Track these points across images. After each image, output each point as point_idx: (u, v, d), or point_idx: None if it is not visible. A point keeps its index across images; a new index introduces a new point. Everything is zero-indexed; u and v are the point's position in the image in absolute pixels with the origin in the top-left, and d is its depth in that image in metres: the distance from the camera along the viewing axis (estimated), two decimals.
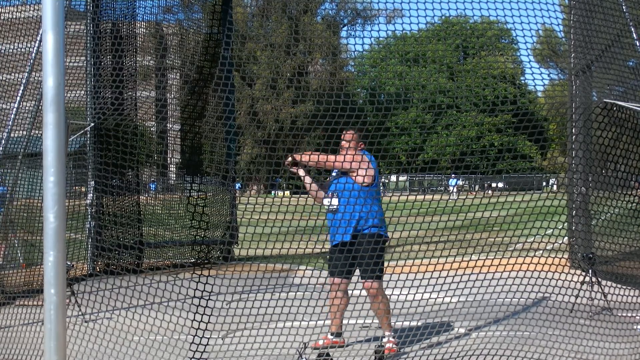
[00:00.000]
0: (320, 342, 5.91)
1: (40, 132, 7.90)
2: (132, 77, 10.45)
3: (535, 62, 51.36)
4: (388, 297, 5.91)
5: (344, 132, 5.95)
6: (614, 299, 6.32)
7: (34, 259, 8.63)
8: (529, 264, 5.55)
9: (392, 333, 5.89)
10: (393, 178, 52.89)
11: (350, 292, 6.08)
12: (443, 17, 49.63)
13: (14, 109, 7.92)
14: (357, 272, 5.91)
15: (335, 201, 5.79)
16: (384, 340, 5.82)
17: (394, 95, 48.24)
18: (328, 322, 6.03)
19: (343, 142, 5.90)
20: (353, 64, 51.51)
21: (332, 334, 6.00)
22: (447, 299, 6.16)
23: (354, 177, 5.74)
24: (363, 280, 5.78)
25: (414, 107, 50.57)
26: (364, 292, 6.12)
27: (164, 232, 11.49)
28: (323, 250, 6.95)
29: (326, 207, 5.86)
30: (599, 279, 7.07)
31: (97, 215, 10.03)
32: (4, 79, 8.29)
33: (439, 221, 5.77)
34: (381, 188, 6.26)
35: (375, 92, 50.28)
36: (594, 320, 6.11)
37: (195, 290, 4.76)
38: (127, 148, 8.86)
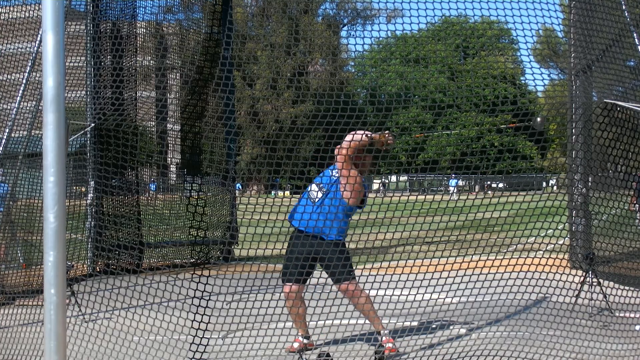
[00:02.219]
0: (295, 345, 5.78)
1: (40, 132, 7.90)
2: (132, 77, 10.44)
3: (535, 62, 51.42)
4: (368, 294, 5.77)
5: (358, 133, 5.56)
6: (614, 300, 6.32)
7: (34, 259, 8.63)
8: (529, 265, 5.55)
9: (387, 331, 5.78)
10: (393, 178, 52.90)
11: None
12: (443, 17, 49.65)
13: (14, 109, 7.92)
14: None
15: (319, 195, 5.70)
16: (382, 340, 5.71)
17: (394, 95, 48.23)
18: (328, 322, 6.02)
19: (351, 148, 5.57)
20: (353, 64, 51.53)
21: (303, 337, 5.88)
22: (447, 299, 6.16)
23: (342, 191, 5.62)
24: (338, 284, 5.68)
25: (414, 106, 50.57)
26: (364, 293, 6.11)
27: (164, 232, 11.49)
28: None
29: (309, 192, 5.75)
30: (599, 280, 7.07)
31: (97, 216, 10.03)
32: (4, 79, 8.29)
33: (439, 222, 5.76)
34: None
35: (376, 92, 50.29)
36: (594, 320, 6.11)
37: (195, 290, 4.75)
38: (127, 148, 8.86)
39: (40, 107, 8.05)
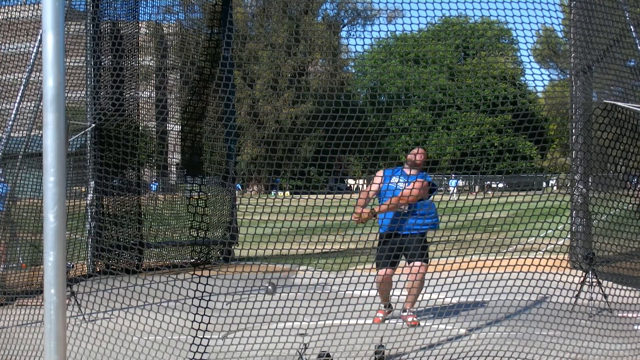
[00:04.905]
0: (380, 316, 6.75)
1: (40, 132, 7.89)
2: (132, 77, 10.43)
3: (535, 62, 51.39)
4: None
5: (416, 151, 6.93)
6: (614, 300, 6.32)
7: (35, 259, 8.62)
8: (529, 265, 5.55)
9: (414, 310, 6.58)
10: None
11: (358, 292, 6.05)
12: (443, 17, 49.60)
13: (15, 109, 7.92)
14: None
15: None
16: (404, 314, 6.53)
17: (394, 96, 48.19)
18: (328, 322, 6.01)
19: (414, 161, 6.78)
20: (353, 64, 51.50)
21: (385, 306, 6.85)
22: (447, 299, 6.16)
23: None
24: (412, 263, 6.37)
25: (415, 106, 50.52)
26: (364, 293, 6.12)
27: (164, 232, 11.48)
28: (323, 250, 6.96)
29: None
30: (599, 280, 7.07)
31: (97, 216, 10.01)
32: (4, 79, 8.29)
33: (439, 222, 5.76)
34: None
35: (376, 92, 50.25)
36: (594, 320, 6.10)
37: (195, 290, 4.75)
38: (127, 148, 8.86)
39: (40, 107, 8.05)
